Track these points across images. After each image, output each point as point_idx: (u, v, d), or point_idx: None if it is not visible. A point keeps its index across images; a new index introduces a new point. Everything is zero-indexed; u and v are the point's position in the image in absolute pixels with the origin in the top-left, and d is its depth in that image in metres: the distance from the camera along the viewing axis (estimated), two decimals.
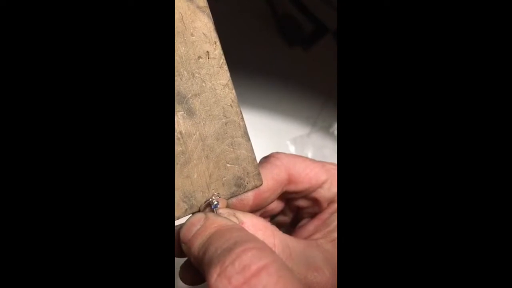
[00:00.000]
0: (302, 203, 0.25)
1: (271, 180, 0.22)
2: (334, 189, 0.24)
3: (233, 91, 0.20)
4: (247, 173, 0.21)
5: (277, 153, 0.23)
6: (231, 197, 0.21)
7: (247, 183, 0.21)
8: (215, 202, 0.20)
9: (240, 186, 0.21)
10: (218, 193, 0.21)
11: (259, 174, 0.21)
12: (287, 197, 0.25)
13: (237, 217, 0.20)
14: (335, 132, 0.54)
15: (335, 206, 0.24)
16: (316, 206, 0.25)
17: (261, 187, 0.22)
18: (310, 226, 0.24)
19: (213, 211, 0.20)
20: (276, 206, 0.26)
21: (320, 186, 0.24)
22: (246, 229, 0.19)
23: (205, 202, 0.20)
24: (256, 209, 0.23)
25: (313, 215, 0.25)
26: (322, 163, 0.24)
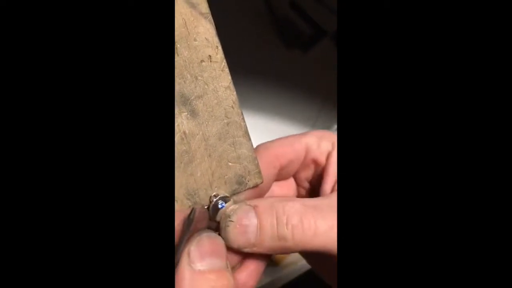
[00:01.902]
0: (305, 173, 0.25)
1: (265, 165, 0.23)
2: (322, 144, 0.24)
3: (234, 93, 0.21)
4: (248, 171, 0.22)
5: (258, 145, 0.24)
6: (233, 194, 0.22)
7: (248, 181, 0.22)
8: (220, 202, 0.21)
9: (241, 184, 0.22)
10: (217, 194, 0.21)
11: (259, 172, 0.22)
12: (293, 177, 0.26)
13: (249, 204, 0.20)
14: (335, 132, 0.55)
15: (334, 154, 0.24)
16: (318, 166, 0.25)
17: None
18: (325, 186, 0.24)
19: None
20: (288, 191, 0.26)
21: (308, 148, 0.24)
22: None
23: (211, 206, 0.21)
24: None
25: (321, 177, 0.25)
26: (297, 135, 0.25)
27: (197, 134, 0.21)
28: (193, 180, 0.21)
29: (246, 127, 0.22)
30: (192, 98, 0.21)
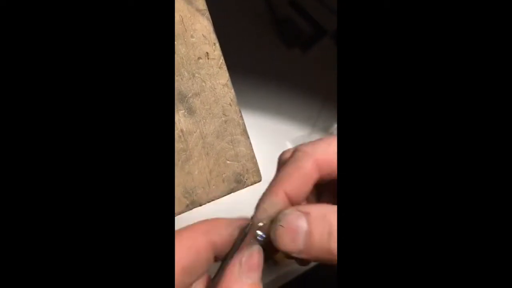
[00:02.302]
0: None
1: (297, 179, 0.21)
2: None
3: (232, 90, 0.21)
4: (247, 169, 0.22)
5: (300, 146, 0.21)
6: (231, 192, 0.22)
7: (246, 179, 0.22)
8: (260, 234, 0.20)
9: (239, 182, 0.22)
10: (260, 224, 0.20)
11: (258, 170, 0.22)
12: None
13: (300, 210, 0.19)
14: (335, 132, 0.55)
15: None
16: None
17: (290, 189, 0.21)
18: None
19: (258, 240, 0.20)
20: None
21: None
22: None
23: (248, 235, 0.20)
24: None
25: None
26: None
27: (195, 132, 0.21)
28: (190, 179, 0.21)
29: (244, 125, 0.22)
30: (189, 95, 0.20)
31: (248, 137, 0.22)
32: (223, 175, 0.21)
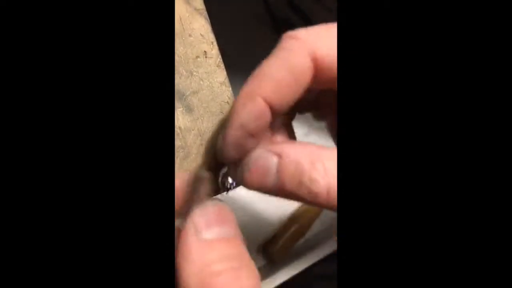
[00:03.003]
0: None
1: (285, 75, 0.16)
2: None
3: (230, 88, 0.22)
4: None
5: (293, 31, 0.17)
6: (229, 189, 0.22)
7: None
8: (230, 182, 0.19)
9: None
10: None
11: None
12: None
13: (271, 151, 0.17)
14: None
15: None
16: None
17: (271, 94, 0.16)
18: None
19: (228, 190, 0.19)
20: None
21: None
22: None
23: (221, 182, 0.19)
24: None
25: None
26: None
27: (193, 130, 0.21)
28: None
29: None
30: (187, 93, 0.21)
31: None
32: (221, 172, 0.22)
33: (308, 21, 0.61)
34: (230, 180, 0.18)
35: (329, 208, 0.17)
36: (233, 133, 0.16)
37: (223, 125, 0.17)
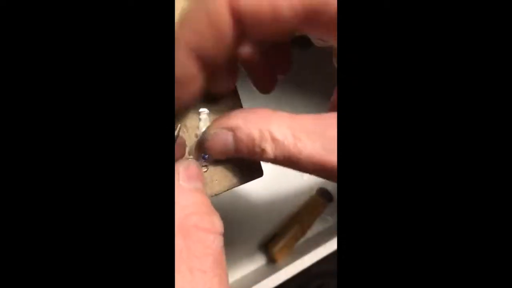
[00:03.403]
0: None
1: (202, 27, 0.16)
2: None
3: (237, 94, 0.22)
4: (249, 164, 0.22)
5: None
6: (234, 187, 0.22)
7: (249, 175, 0.22)
8: (204, 155, 0.21)
9: (242, 177, 0.22)
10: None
11: (259, 165, 0.22)
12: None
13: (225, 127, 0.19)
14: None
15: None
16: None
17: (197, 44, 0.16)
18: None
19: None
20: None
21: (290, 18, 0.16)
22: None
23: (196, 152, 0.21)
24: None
25: None
26: None
27: (196, 126, 0.21)
28: None
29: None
30: None
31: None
32: (226, 171, 0.22)
33: None
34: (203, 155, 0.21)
35: (279, 164, 0.18)
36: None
37: None
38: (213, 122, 0.20)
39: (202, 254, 0.16)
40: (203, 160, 0.21)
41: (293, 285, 0.46)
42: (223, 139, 0.19)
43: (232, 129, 0.19)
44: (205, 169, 0.21)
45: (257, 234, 0.52)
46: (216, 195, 0.22)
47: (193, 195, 0.18)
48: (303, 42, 0.55)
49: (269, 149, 0.18)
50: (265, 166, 0.22)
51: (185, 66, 0.17)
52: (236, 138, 0.18)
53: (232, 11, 0.16)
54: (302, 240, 0.53)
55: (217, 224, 0.18)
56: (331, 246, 0.45)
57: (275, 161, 0.18)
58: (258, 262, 0.52)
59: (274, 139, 0.17)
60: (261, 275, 0.45)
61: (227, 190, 0.22)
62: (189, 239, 0.16)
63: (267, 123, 0.18)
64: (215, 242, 0.17)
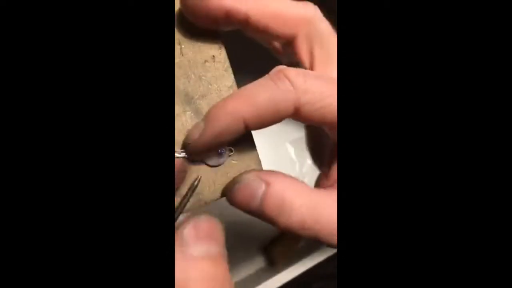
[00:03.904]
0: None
1: (268, 107, 0.18)
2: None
3: None
4: (250, 169, 0.22)
5: (290, 70, 0.19)
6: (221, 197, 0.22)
7: None
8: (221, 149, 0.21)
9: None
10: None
11: (261, 169, 0.23)
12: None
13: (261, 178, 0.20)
14: None
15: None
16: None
17: (251, 117, 0.18)
18: (335, 170, 0.22)
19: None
20: None
21: (334, 126, 0.19)
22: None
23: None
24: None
25: None
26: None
27: None
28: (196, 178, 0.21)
29: None
30: (196, 97, 0.21)
31: (252, 138, 0.23)
32: (228, 174, 0.22)
33: None
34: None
35: (298, 235, 0.19)
36: (207, 139, 0.19)
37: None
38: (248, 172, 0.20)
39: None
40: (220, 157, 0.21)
41: (293, 287, 0.47)
42: (254, 188, 0.19)
43: (267, 182, 0.19)
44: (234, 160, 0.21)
45: (257, 237, 0.53)
46: (216, 200, 0.22)
47: (205, 264, 0.15)
48: None
49: (294, 216, 0.19)
50: (267, 167, 0.22)
51: (238, 132, 0.19)
52: (268, 193, 0.19)
53: (295, 107, 0.18)
54: (302, 242, 0.53)
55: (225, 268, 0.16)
56: (331, 248, 0.45)
57: (295, 229, 0.19)
58: (258, 264, 0.52)
59: (303, 207, 0.19)
60: (261, 278, 0.45)
61: None
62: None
63: (300, 191, 0.19)
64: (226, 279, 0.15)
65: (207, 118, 0.19)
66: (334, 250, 0.45)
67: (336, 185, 0.21)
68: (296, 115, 0.19)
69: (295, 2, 0.20)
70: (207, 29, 0.21)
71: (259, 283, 0.43)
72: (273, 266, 0.50)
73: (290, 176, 0.20)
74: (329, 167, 0.22)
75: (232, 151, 0.21)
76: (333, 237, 0.19)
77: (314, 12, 0.20)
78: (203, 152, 0.20)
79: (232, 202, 0.20)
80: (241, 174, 0.21)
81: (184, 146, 0.20)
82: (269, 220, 0.19)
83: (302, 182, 0.20)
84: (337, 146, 0.20)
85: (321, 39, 0.20)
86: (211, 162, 0.21)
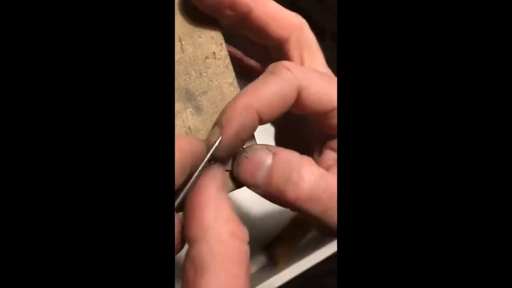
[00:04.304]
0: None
1: (276, 97, 0.19)
2: None
3: (238, 89, 0.22)
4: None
5: (288, 63, 0.20)
6: (238, 188, 0.22)
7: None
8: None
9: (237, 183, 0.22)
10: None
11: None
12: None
13: (269, 149, 0.21)
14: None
15: None
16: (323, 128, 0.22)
17: (262, 106, 0.19)
18: (327, 156, 0.23)
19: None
20: None
21: (329, 112, 0.21)
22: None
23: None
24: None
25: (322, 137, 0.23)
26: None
27: (202, 130, 0.21)
28: None
29: None
30: (196, 94, 0.21)
31: (253, 135, 0.22)
32: (229, 172, 0.22)
33: (309, 20, 0.61)
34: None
35: (304, 211, 0.20)
36: (229, 140, 0.19)
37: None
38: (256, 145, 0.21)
39: (238, 261, 0.17)
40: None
41: (294, 287, 0.46)
42: (261, 157, 0.20)
43: (274, 152, 0.20)
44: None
45: (258, 236, 0.53)
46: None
47: (226, 203, 0.18)
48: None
49: (305, 183, 0.19)
50: None
51: (255, 125, 0.20)
52: (274, 161, 0.20)
53: (298, 96, 0.20)
54: (303, 241, 0.53)
55: (247, 234, 0.18)
56: (332, 247, 0.45)
57: (303, 198, 0.19)
58: (259, 263, 0.52)
59: (311, 176, 0.20)
60: (262, 277, 0.45)
61: (232, 191, 0.22)
62: (226, 245, 0.17)
63: (305, 162, 0.20)
64: (247, 251, 0.17)
65: (224, 120, 0.19)
66: (335, 249, 0.45)
67: (332, 169, 0.22)
68: (297, 102, 0.20)
69: (288, 10, 0.22)
70: (208, 24, 0.21)
71: (260, 282, 0.43)
72: (274, 265, 0.50)
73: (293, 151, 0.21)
74: (320, 152, 0.23)
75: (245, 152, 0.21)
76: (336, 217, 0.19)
77: (303, 21, 0.23)
78: (230, 155, 0.21)
79: (239, 173, 0.20)
80: (248, 147, 0.21)
81: (213, 158, 0.20)
82: (275, 192, 0.20)
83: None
84: (338, 129, 0.21)
85: (309, 45, 0.23)
86: (227, 167, 0.21)
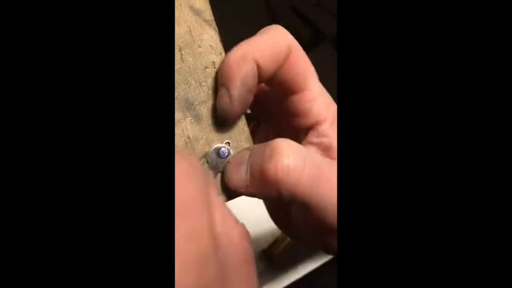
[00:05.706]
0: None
1: (270, 47, 0.20)
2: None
3: None
4: (242, 148, 0.22)
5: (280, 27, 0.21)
6: (227, 201, 0.22)
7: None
8: (226, 152, 0.22)
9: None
10: (228, 142, 0.22)
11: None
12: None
13: (248, 148, 0.21)
14: None
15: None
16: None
17: (260, 57, 0.20)
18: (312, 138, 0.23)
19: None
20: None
21: (309, 90, 0.23)
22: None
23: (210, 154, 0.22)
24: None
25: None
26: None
27: (201, 139, 0.21)
28: None
29: (249, 132, 0.22)
30: (196, 103, 0.21)
31: (252, 144, 0.23)
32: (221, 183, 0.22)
33: (309, 24, 0.61)
34: None
35: (292, 194, 0.19)
36: (238, 90, 0.20)
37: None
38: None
39: (246, 262, 0.17)
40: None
41: (293, 287, 0.47)
42: (241, 156, 0.21)
43: (249, 149, 0.21)
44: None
45: (258, 239, 0.53)
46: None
47: (225, 207, 0.18)
48: (303, 47, 0.55)
49: (273, 166, 0.19)
50: None
51: (255, 73, 0.20)
52: (251, 154, 0.20)
53: (288, 52, 0.21)
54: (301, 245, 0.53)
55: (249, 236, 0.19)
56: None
57: (279, 179, 0.19)
58: (259, 267, 0.52)
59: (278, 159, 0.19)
60: (262, 280, 0.45)
61: (232, 198, 0.22)
62: (234, 247, 0.17)
63: (277, 149, 0.20)
64: (253, 253, 0.18)
65: (223, 75, 0.20)
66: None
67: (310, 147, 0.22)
68: (286, 62, 0.21)
69: (281, 31, 0.22)
70: (207, 34, 0.21)
71: (260, 286, 0.43)
72: (274, 268, 0.50)
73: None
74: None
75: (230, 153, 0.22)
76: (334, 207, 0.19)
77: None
78: (244, 108, 0.21)
79: (227, 178, 0.21)
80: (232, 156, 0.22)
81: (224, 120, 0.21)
82: (258, 177, 0.19)
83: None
84: (338, 131, 0.22)
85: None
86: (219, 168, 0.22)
